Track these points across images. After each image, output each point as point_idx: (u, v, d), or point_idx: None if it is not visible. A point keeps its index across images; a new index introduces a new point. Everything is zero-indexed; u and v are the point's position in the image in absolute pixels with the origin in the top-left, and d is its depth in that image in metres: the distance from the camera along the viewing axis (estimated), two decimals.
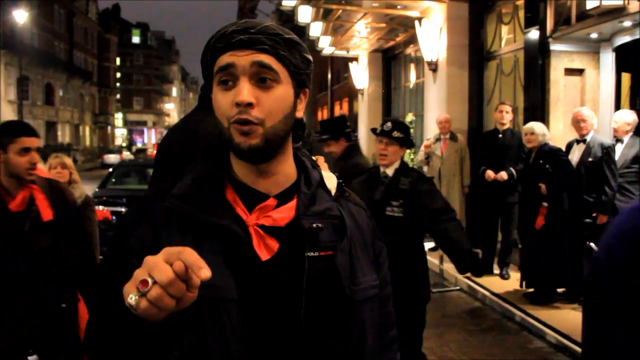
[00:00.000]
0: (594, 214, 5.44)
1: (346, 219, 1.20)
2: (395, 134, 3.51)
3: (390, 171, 3.57)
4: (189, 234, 1.08)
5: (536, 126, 5.77)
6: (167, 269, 0.85)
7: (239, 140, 1.09)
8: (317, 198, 1.19)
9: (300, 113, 1.18)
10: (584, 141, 5.72)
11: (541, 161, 5.60)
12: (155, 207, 1.12)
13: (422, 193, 3.43)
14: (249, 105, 1.08)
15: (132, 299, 0.85)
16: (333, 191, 1.24)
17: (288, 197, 1.17)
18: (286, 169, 1.19)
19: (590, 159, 5.61)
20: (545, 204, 5.55)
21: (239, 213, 1.13)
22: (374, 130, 3.71)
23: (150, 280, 0.85)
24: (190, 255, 0.86)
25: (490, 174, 6.66)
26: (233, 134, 1.10)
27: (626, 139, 5.74)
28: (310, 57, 1.20)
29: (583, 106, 6.57)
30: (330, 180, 1.26)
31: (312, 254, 1.12)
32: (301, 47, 1.16)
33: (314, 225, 1.14)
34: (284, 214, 1.14)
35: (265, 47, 1.10)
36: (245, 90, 1.08)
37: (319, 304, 1.11)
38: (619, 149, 5.72)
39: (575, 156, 5.74)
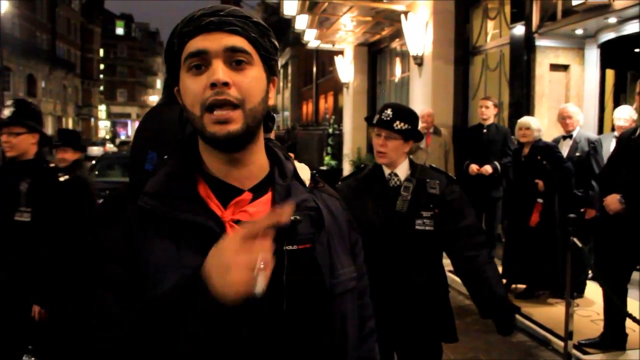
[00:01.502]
0: (582, 209, 5.46)
1: (322, 210, 1.17)
2: (398, 125, 2.75)
3: (401, 172, 2.81)
4: (165, 232, 1.04)
5: (532, 121, 5.73)
6: (265, 246, 0.89)
7: (214, 129, 1.05)
8: (293, 190, 1.16)
9: (271, 101, 1.15)
10: (570, 137, 5.74)
11: (539, 157, 5.56)
12: (127, 206, 1.07)
13: (454, 201, 2.75)
14: (225, 84, 1.04)
15: (260, 281, 0.87)
16: (307, 182, 1.22)
17: (262, 190, 1.13)
18: (259, 160, 1.16)
19: (577, 154, 5.62)
20: (540, 200, 5.53)
21: (213, 209, 1.08)
22: (368, 119, 3.05)
23: (261, 263, 0.87)
24: (262, 221, 0.90)
25: (474, 167, 6.66)
26: (206, 124, 1.05)
27: None
28: (277, 44, 1.17)
29: (568, 102, 6.59)
30: (304, 171, 1.23)
31: (290, 247, 1.09)
32: (269, 32, 1.14)
33: (292, 217, 1.09)
34: (260, 207, 1.11)
35: (237, 28, 1.07)
36: (220, 70, 1.04)
37: (299, 299, 1.08)
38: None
39: (562, 152, 5.74)
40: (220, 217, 1.08)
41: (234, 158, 1.11)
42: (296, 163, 1.24)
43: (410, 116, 2.81)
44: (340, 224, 1.24)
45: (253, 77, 1.08)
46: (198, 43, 1.06)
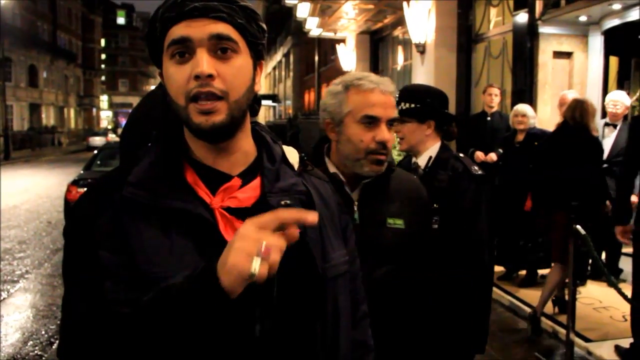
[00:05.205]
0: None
1: (313, 194, 1.16)
2: (404, 106, 2.39)
3: (422, 161, 2.40)
4: (154, 221, 1.01)
5: (527, 109, 5.76)
6: (279, 238, 0.89)
7: (199, 120, 1.02)
8: (281, 174, 1.14)
9: (257, 86, 1.12)
10: None
11: (536, 143, 5.56)
12: (113, 196, 1.03)
13: (465, 194, 2.24)
14: (210, 77, 1.01)
15: (256, 263, 0.87)
16: (296, 166, 1.19)
17: (251, 175, 1.11)
18: (246, 146, 1.13)
19: None
20: None
21: (201, 196, 1.06)
22: None
23: (264, 247, 0.88)
24: (284, 214, 0.93)
25: (479, 155, 6.63)
26: (191, 114, 1.03)
27: (619, 123, 5.64)
28: (265, 27, 1.13)
29: (570, 89, 6.56)
30: (292, 155, 1.21)
31: None
32: (257, 16, 1.10)
33: (283, 202, 1.08)
34: (249, 193, 1.09)
35: (222, 14, 1.03)
36: (205, 61, 1.01)
37: (291, 284, 1.06)
38: (612, 134, 5.62)
39: None
40: (209, 204, 1.06)
41: (221, 147, 1.09)
42: (285, 147, 1.21)
43: (415, 93, 2.43)
44: (330, 207, 1.23)
45: (239, 67, 1.05)
46: (181, 30, 1.02)
